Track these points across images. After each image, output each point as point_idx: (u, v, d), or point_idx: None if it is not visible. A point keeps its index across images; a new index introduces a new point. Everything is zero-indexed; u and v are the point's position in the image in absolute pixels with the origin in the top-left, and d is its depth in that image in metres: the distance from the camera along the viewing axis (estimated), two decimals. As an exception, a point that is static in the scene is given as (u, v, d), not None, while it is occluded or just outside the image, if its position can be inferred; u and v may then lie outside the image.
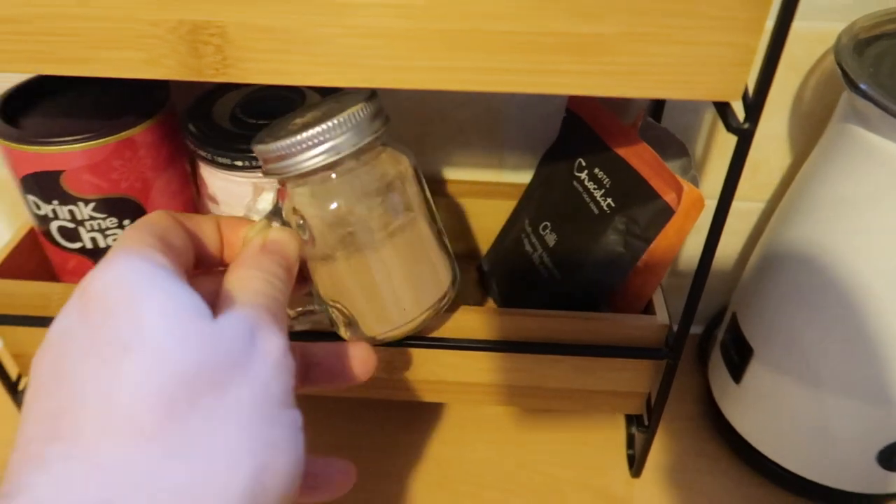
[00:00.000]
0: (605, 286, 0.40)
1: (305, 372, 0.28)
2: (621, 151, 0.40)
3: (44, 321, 0.40)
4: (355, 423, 0.49)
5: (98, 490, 0.16)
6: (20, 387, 0.45)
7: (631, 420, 0.49)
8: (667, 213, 0.36)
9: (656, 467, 0.47)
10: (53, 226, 0.39)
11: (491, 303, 0.51)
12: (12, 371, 0.44)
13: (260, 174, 0.37)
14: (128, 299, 0.19)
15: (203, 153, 0.38)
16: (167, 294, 0.19)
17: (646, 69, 0.27)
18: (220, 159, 0.37)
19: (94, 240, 0.40)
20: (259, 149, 0.28)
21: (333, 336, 0.33)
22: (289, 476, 0.19)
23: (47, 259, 0.43)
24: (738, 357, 0.44)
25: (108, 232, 0.39)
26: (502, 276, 0.48)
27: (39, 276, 0.43)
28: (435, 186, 0.52)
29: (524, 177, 0.50)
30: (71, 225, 0.39)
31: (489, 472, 0.47)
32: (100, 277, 0.20)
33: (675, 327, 0.37)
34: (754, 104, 0.28)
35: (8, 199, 0.56)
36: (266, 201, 0.36)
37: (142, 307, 0.18)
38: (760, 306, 0.42)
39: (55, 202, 0.38)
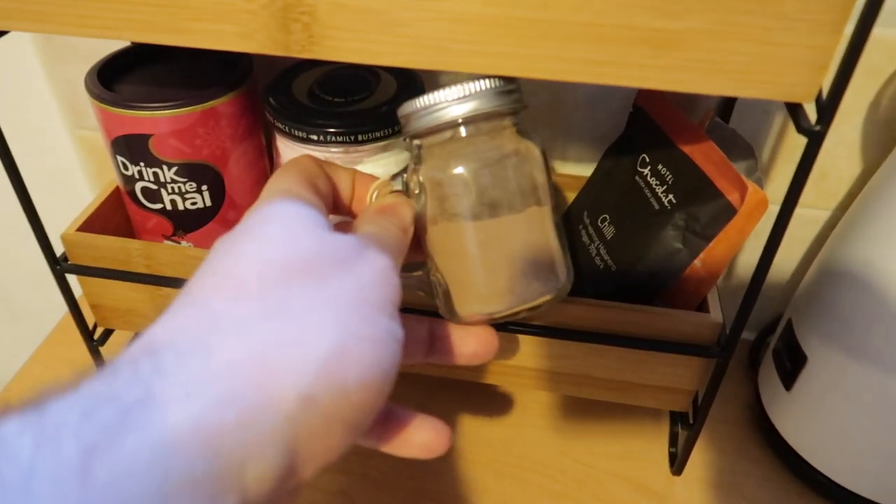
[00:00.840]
0: (661, 282, 0.40)
1: (431, 344, 0.30)
2: (687, 149, 0.40)
3: (122, 275, 0.43)
4: (405, 400, 0.51)
5: (199, 329, 0.19)
6: (95, 336, 0.48)
7: (675, 417, 0.49)
8: (729, 212, 0.36)
9: (698, 467, 0.48)
10: (138, 186, 0.42)
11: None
12: (90, 320, 0.47)
13: (332, 149, 0.39)
14: (264, 206, 0.23)
15: (281, 125, 0.39)
16: (295, 208, 0.24)
17: (722, 67, 0.27)
18: (296, 132, 0.39)
19: (173, 202, 0.42)
20: (403, 107, 0.30)
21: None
22: (370, 371, 0.20)
23: (128, 218, 0.46)
24: (791, 364, 0.44)
25: (187, 195, 0.42)
26: (557, 266, 0.49)
27: (120, 234, 0.45)
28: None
29: (586, 169, 0.50)
30: (154, 186, 0.41)
31: (533, 456, 0.48)
32: (256, 203, 0.25)
33: (728, 329, 0.37)
34: (827, 106, 0.28)
35: (95, 160, 0.59)
36: None
37: (270, 211, 0.23)
38: (818, 315, 0.42)
39: (142, 164, 0.40)
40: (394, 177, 0.30)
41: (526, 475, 0.47)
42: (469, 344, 0.30)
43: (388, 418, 0.27)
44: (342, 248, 0.23)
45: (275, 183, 0.26)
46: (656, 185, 0.41)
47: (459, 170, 0.29)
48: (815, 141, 0.29)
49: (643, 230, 0.41)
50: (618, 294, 0.40)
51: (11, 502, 0.14)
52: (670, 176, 0.40)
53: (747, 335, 0.56)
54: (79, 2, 0.31)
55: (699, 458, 0.48)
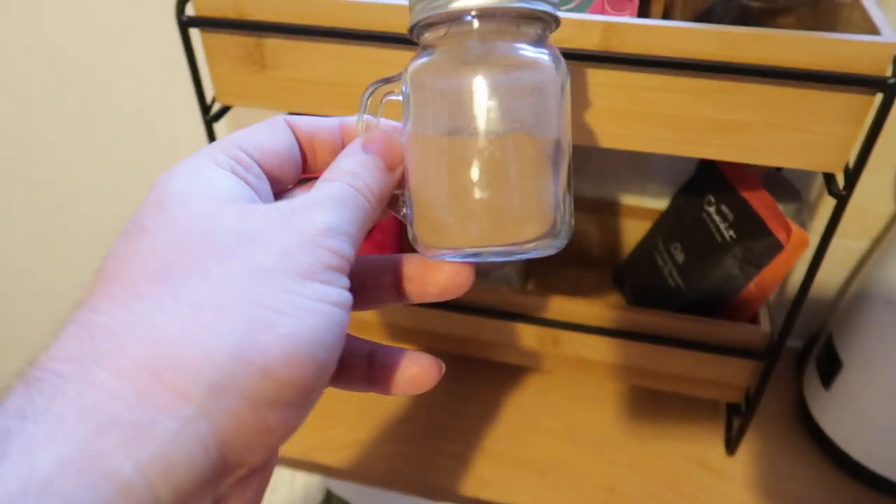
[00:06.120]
0: (721, 299, 0.50)
1: (399, 296, 0.26)
2: (745, 194, 0.50)
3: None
4: (495, 390, 0.62)
5: (88, 339, 0.18)
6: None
7: (731, 408, 0.59)
8: (777, 247, 0.46)
9: (749, 451, 0.57)
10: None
11: (621, 300, 0.63)
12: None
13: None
14: (164, 184, 0.21)
15: None
16: (203, 181, 0.21)
17: (770, 146, 0.38)
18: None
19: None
20: None
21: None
22: (295, 342, 0.18)
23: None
24: (830, 367, 0.54)
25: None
26: (635, 281, 0.60)
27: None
28: (591, 204, 0.64)
29: (661, 203, 0.61)
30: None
31: (606, 434, 0.59)
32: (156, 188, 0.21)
33: (775, 338, 0.47)
34: (852, 176, 0.38)
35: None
36: None
37: (168, 191, 0.20)
38: (853, 329, 0.52)
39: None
40: (382, 82, 0.26)
41: (601, 448, 0.58)
42: (433, 273, 0.25)
43: (371, 362, 0.26)
44: (259, 217, 0.20)
45: (190, 161, 0.22)
46: (719, 221, 0.51)
47: (469, 77, 0.23)
48: (842, 202, 0.39)
49: (708, 257, 0.51)
50: (686, 308, 0.51)
51: None
52: (731, 215, 0.50)
53: (795, 343, 0.65)
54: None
55: (750, 444, 0.58)
